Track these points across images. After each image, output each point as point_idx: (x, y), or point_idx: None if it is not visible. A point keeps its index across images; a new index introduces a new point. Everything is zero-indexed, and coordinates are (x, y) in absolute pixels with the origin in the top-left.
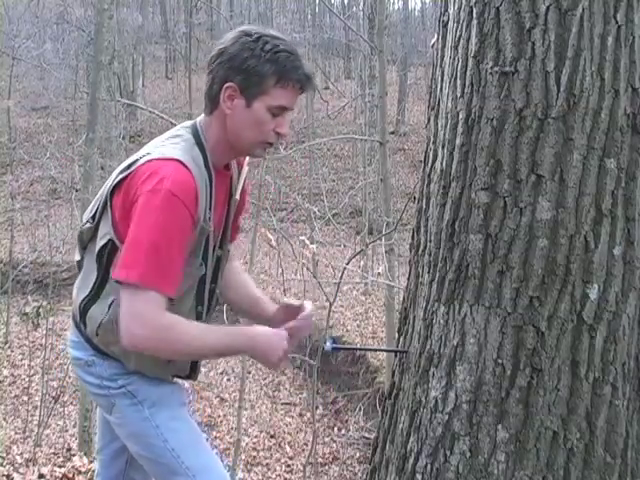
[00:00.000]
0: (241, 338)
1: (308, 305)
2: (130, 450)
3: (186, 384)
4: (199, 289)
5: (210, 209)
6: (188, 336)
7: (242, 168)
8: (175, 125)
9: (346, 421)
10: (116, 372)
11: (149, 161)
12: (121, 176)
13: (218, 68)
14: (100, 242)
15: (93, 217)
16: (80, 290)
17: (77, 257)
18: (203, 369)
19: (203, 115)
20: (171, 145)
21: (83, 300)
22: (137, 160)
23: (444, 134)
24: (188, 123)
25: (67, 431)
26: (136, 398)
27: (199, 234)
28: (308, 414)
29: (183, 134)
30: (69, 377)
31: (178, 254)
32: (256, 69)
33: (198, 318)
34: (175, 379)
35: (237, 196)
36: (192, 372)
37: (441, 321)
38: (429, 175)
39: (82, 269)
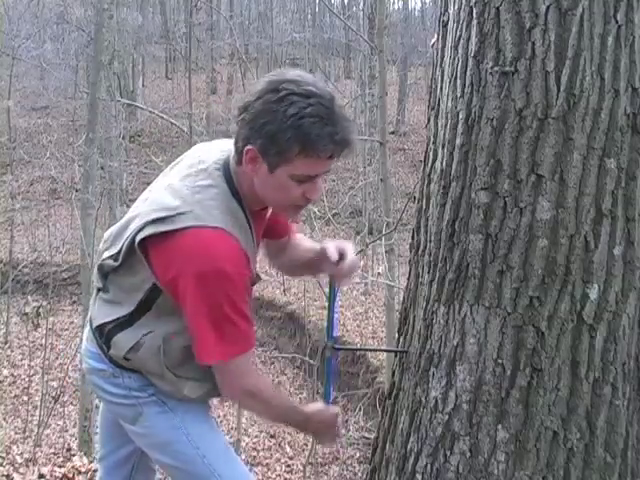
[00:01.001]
0: (297, 417)
1: (349, 252)
2: (155, 461)
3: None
4: None
5: (255, 254)
6: (265, 406)
7: None
8: (175, 124)
9: (346, 421)
10: (146, 383)
11: (189, 229)
12: (155, 230)
13: (242, 125)
14: (143, 285)
15: (116, 257)
16: (105, 314)
17: (98, 285)
18: None
19: (232, 157)
20: (208, 201)
21: (108, 324)
22: (173, 217)
23: (444, 134)
24: (219, 160)
25: (67, 431)
26: (167, 405)
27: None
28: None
29: (216, 182)
30: (69, 377)
31: (248, 315)
32: (276, 137)
33: None
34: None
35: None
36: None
37: (441, 321)
38: (429, 175)
39: (106, 295)
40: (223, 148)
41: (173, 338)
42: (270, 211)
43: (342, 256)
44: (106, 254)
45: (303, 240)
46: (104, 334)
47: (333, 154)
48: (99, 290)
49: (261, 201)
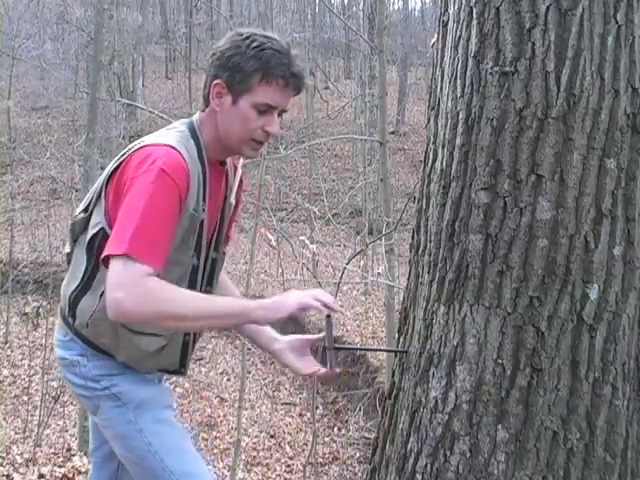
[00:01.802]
0: (241, 302)
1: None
2: (116, 452)
3: (176, 388)
4: (190, 285)
5: (204, 200)
6: (179, 295)
7: (236, 170)
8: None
9: (346, 421)
10: (100, 373)
11: (142, 147)
12: (115, 165)
13: (210, 66)
14: (91, 231)
15: (86, 209)
16: (69, 282)
17: (67, 249)
18: (203, 369)
19: (199, 111)
20: (165, 134)
21: (73, 292)
22: (131, 149)
23: (444, 134)
24: (186, 119)
25: (67, 431)
26: (120, 400)
27: (190, 221)
28: (308, 414)
29: (178, 127)
30: None
31: (167, 229)
32: (240, 66)
33: None
34: (164, 377)
35: (232, 199)
36: (182, 366)
37: (441, 321)
38: (429, 175)
39: (71, 262)
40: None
41: None
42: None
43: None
44: (78, 210)
45: (233, 289)
46: (70, 306)
47: (288, 83)
48: (67, 262)
49: (220, 151)
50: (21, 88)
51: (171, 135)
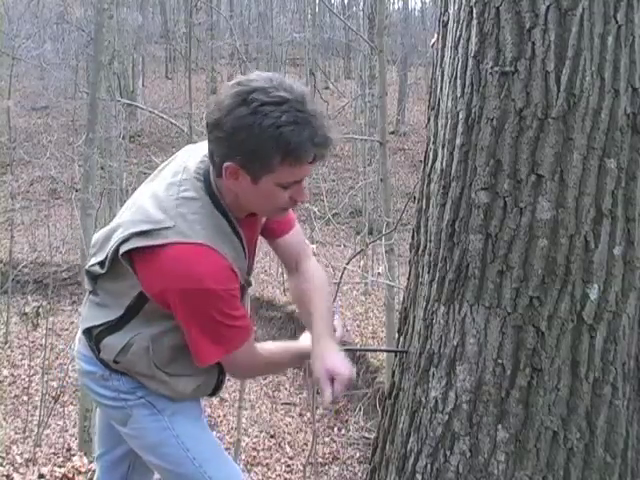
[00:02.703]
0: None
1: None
2: (147, 462)
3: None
4: None
5: (245, 257)
6: (277, 365)
7: None
8: (175, 124)
9: (346, 421)
10: (134, 385)
11: (172, 245)
12: (138, 243)
13: (216, 142)
14: (131, 292)
15: (102, 264)
16: (94, 318)
17: (88, 287)
18: None
19: (213, 174)
20: (191, 215)
21: (98, 327)
22: (156, 232)
23: (444, 134)
24: (199, 169)
25: (67, 431)
26: (155, 408)
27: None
28: (308, 414)
29: (199, 195)
30: (69, 377)
31: (239, 317)
32: (257, 151)
33: None
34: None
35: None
36: (216, 389)
37: (441, 321)
38: (429, 175)
39: (96, 298)
40: (205, 153)
41: (162, 337)
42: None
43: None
44: (93, 260)
45: (321, 286)
46: (93, 337)
47: (315, 157)
48: (90, 292)
49: (247, 209)
50: (21, 88)
51: (197, 220)
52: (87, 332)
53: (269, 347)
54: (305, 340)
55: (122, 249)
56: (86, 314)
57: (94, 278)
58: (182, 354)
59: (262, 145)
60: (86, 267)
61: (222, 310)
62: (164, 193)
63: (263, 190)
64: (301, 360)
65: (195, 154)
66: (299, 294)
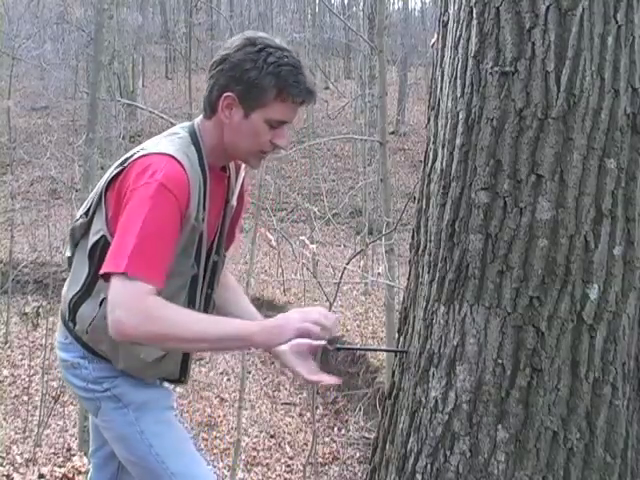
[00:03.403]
0: (243, 325)
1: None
2: (116, 453)
3: (176, 388)
4: (191, 290)
5: (204, 209)
6: (180, 316)
7: (239, 172)
8: (175, 124)
9: (346, 421)
10: (102, 375)
11: (143, 156)
12: (115, 171)
13: (219, 75)
14: (93, 238)
15: (87, 213)
16: (70, 287)
17: (68, 253)
18: (203, 369)
19: (201, 116)
20: (166, 142)
21: (73, 297)
22: (132, 155)
23: (444, 134)
24: (186, 123)
25: (67, 431)
26: (121, 402)
27: (190, 232)
28: (308, 414)
29: (180, 132)
30: None
31: (167, 246)
32: (257, 81)
33: None
34: (164, 383)
35: (233, 202)
36: (182, 375)
37: (441, 321)
38: (429, 175)
39: (72, 266)
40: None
41: None
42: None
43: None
44: (78, 215)
45: (242, 298)
46: (71, 310)
47: (304, 101)
48: (68, 265)
49: (223, 158)
50: (21, 88)
51: (172, 142)
52: (67, 309)
53: (176, 305)
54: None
55: (105, 183)
56: (65, 291)
57: (75, 242)
58: None
59: (263, 77)
60: (70, 226)
61: (157, 220)
62: (148, 140)
63: (252, 125)
64: (240, 339)
65: None
66: (223, 303)
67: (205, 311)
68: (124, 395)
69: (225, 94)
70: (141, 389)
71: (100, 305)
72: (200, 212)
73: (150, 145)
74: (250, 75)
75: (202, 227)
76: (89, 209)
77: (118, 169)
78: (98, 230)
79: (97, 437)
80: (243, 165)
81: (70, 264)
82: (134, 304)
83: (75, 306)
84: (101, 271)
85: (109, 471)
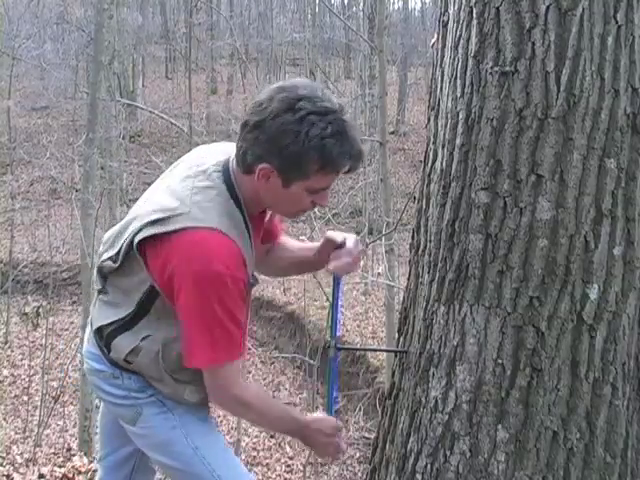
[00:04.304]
0: (293, 425)
1: (350, 240)
2: (155, 462)
3: None
4: None
5: (253, 258)
6: (258, 415)
7: None
8: (175, 124)
9: (346, 421)
10: (146, 384)
11: (186, 230)
12: (153, 231)
13: (254, 142)
14: (141, 287)
15: (115, 258)
16: (104, 316)
17: (97, 286)
18: None
19: (235, 162)
20: (205, 202)
21: (110, 326)
22: (170, 218)
23: (444, 134)
24: (219, 162)
25: (67, 431)
26: (165, 406)
27: (250, 287)
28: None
29: (216, 184)
30: (69, 377)
31: (239, 321)
32: (298, 158)
33: None
34: None
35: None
36: None
37: (441, 321)
38: (429, 175)
39: (108, 296)
40: (224, 150)
41: (172, 343)
42: (268, 216)
43: (344, 243)
44: (105, 256)
45: (291, 241)
46: (104, 337)
47: (350, 168)
48: (99, 292)
49: (261, 205)
50: (21, 88)
51: (212, 205)
52: (97, 332)
53: (261, 392)
54: (300, 415)
55: (136, 239)
56: (96, 314)
57: (104, 276)
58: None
59: (305, 153)
60: (97, 264)
61: (225, 303)
62: (179, 185)
63: (291, 194)
64: (298, 429)
65: (213, 150)
66: (288, 259)
67: None
68: (168, 400)
69: (262, 165)
70: None
71: (141, 340)
72: (252, 266)
73: (188, 202)
74: (291, 150)
75: (256, 279)
76: (117, 254)
77: (155, 229)
78: (143, 279)
79: (111, 442)
80: None
81: (100, 293)
82: (231, 392)
83: (109, 336)
84: (196, 367)
85: (122, 475)
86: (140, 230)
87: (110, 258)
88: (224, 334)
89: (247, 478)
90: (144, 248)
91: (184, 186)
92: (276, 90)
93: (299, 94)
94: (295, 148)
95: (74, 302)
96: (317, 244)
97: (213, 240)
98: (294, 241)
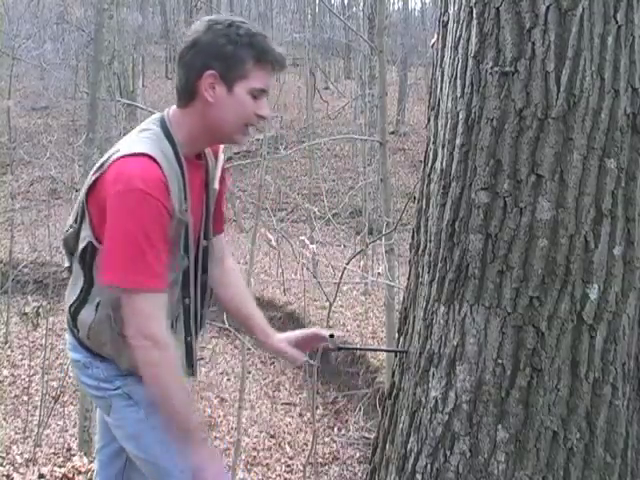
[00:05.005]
0: (187, 426)
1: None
2: (127, 452)
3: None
4: (184, 281)
5: (185, 200)
6: (163, 370)
7: (217, 157)
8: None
9: (346, 421)
10: (113, 374)
11: (118, 159)
12: (94, 177)
13: (194, 58)
14: (81, 245)
15: (75, 221)
16: (70, 295)
17: (66, 263)
18: (203, 369)
19: (172, 107)
20: (138, 140)
21: (72, 305)
22: (108, 158)
23: (444, 134)
24: (156, 116)
25: (67, 431)
26: (132, 399)
27: (177, 226)
28: (308, 414)
29: (151, 127)
30: (69, 377)
31: (161, 248)
32: (235, 53)
33: (186, 311)
34: None
35: (215, 185)
36: (189, 367)
37: (441, 321)
38: (429, 175)
39: (71, 275)
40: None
41: (119, 302)
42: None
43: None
44: (68, 224)
45: (244, 289)
46: (72, 317)
47: (279, 65)
48: (68, 272)
49: (201, 143)
50: (21, 88)
51: (145, 140)
52: (69, 314)
53: (175, 360)
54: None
55: (83, 192)
56: (66, 296)
57: (70, 251)
58: None
59: (240, 49)
60: (63, 236)
61: (140, 221)
62: (121, 141)
63: (237, 98)
64: (189, 437)
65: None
66: (231, 296)
67: (202, 299)
68: (134, 392)
69: (205, 74)
70: None
71: (96, 309)
72: (182, 204)
73: (124, 146)
74: (227, 49)
75: (187, 219)
76: (76, 217)
77: (97, 174)
78: (85, 237)
79: (105, 434)
80: (221, 149)
81: (70, 273)
82: (144, 326)
83: (75, 313)
84: (105, 284)
85: (115, 468)
86: (88, 183)
87: (71, 226)
88: (137, 254)
89: None
90: (89, 200)
91: (124, 138)
92: (198, 21)
93: (219, 15)
94: (230, 47)
95: None
96: (266, 327)
97: (139, 163)
98: (244, 294)
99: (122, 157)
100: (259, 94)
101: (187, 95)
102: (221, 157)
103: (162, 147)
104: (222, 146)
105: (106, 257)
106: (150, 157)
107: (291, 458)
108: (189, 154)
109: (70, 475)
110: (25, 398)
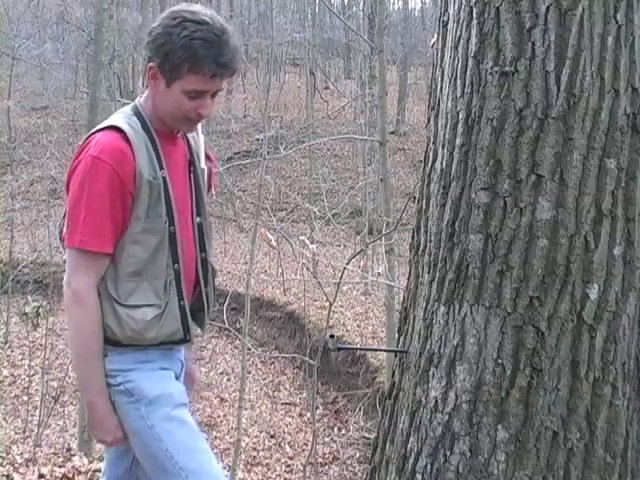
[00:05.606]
0: (91, 387)
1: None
2: (132, 446)
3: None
4: (173, 249)
5: (161, 167)
6: (75, 324)
7: (198, 135)
8: None
9: (346, 421)
10: (116, 368)
11: (86, 138)
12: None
13: (146, 47)
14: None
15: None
16: None
17: (65, 257)
18: (203, 369)
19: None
20: (110, 118)
21: None
22: (84, 141)
23: (444, 134)
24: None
25: (67, 431)
26: (133, 396)
27: (150, 189)
28: (308, 414)
29: (124, 110)
30: (69, 377)
31: (110, 212)
32: (170, 55)
33: (177, 276)
34: (181, 370)
35: (202, 165)
36: (186, 333)
37: (441, 321)
38: (429, 175)
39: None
40: None
41: (111, 271)
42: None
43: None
44: (62, 216)
45: None
46: None
47: (216, 74)
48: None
49: (162, 118)
50: (21, 88)
51: (113, 117)
52: None
53: (98, 331)
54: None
55: (66, 176)
56: None
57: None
58: (135, 283)
59: (174, 51)
60: (59, 227)
61: (88, 190)
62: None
63: (173, 95)
64: (88, 386)
65: None
66: None
67: (205, 277)
68: (136, 390)
69: (148, 65)
70: (154, 384)
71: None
72: (157, 170)
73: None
74: (165, 48)
75: (161, 184)
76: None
77: (75, 155)
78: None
79: None
80: (199, 129)
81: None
82: (77, 278)
83: None
84: (66, 245)
85: (123, 466)
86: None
87: (64, 216)
88: (77, 215)
89: (211, 471)
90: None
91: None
92: (171, 8)
93: (185, 8)
94: (167, 46)
95: None
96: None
97: (101, 135)
98: None
99: (90, 135)
100: (197, 94)
101: (145, 78)
102: (201, 137)
103: (130, 121)
104: (200, 126)
105: (66, 222)
106: (115, 127)
107: (291, 458)
108: (161, 128)
109: (70, 475)
110: (25, 398)
